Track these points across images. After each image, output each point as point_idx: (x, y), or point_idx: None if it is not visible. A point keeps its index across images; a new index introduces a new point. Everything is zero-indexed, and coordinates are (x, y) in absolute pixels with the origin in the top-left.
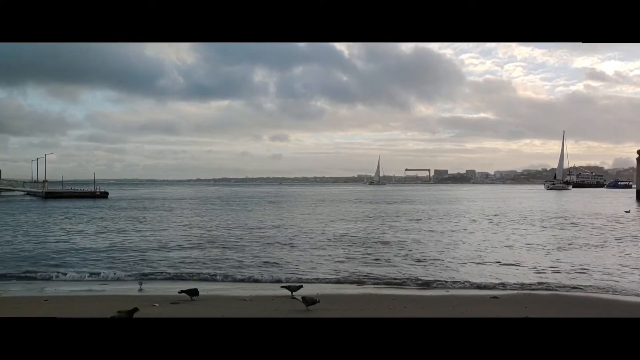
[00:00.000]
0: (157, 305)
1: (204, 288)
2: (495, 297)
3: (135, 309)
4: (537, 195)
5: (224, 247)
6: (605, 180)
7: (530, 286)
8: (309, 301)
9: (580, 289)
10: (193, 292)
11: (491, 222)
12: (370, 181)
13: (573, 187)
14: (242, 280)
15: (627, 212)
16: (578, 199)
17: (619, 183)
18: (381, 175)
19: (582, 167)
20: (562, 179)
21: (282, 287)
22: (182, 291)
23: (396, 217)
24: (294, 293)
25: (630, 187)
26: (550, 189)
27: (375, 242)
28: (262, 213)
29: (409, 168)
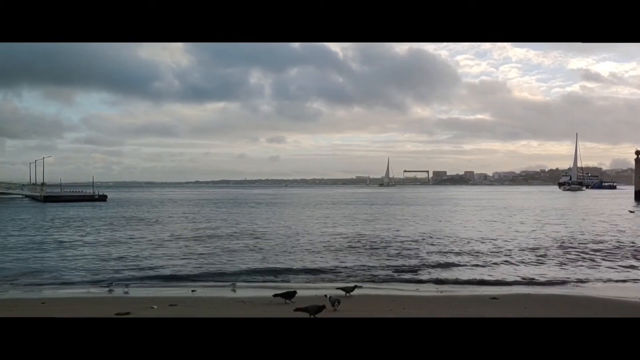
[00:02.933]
0: (155, 307)
1: (203, 290)
2: (494, 297)
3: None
4: (562, 197)
5: (226, 250)
6: (609, 181)
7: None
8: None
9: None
10: (290, 295)
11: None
12: (380, 183)
13: (570, 187)
14: (241, 282)
15: (631, 212)
16: (593, 201)
17: (603, 184)
18: (380, 177)
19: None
20: (576, 180)
21: (337, 288)
22: (277, 294)
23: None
24: (348, 293)
25: (614, 187)
26: (567, 190)
27: (382, 244)
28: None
29: (407, 170)
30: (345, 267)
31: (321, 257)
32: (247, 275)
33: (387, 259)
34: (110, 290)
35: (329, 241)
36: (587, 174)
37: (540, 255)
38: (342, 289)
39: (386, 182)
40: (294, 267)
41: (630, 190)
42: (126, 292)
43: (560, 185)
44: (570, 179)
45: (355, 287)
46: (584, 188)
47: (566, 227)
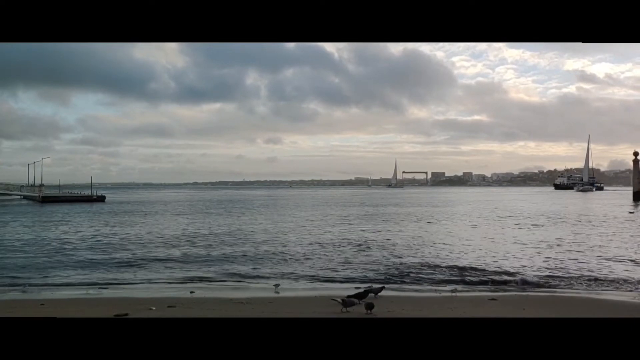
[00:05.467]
0: (154, 308)
1: (202, 292)
2: (493, 298)
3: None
4: (575, 197)
5: (230, 253)
6: (597, 182)
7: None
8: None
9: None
10: (362, 296)
11: None
12: (388, 184)
13: (564, 188)
14: (237, 283)
15: (630, 212)
16: (599, 202)
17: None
18: (379, 178)
19: (572, 169)
20: (588, 181)
21: (364, 289)
22: (349, 296)
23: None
24: (377, 295)
25: (601, 189)
26: (580, 190)
27: (381, 246)
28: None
29: (406, 171)
30: (344, 270)
31: (319, 259)
32: (251, 277)
33: (386, 262)
34: (108, 292)
35: (332, 244)
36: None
37: (541, 258)
38: (369, 290)
39: (394, 183)
40: (295, 269)
41: (618, 190)
42: (125, 294)
43: (556, 186)
44: (582, 179)
45: (383, 287)
46: (593, 189)
47: (569, 230)
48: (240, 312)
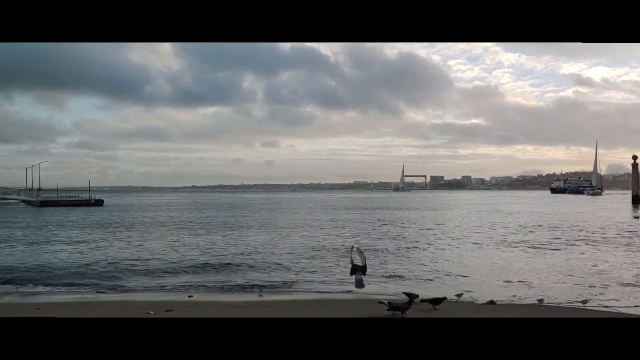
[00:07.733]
0: (152, 313)
1: (200, 296)
2: (491, 302)
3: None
4: (586, 201)
5: (231, 261)
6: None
7: None
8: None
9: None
10: (437, 301)
11: None
12: (395, 187)
13: (560, 192)
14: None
15: (636, 217)
16: (603, 205)
17: (581, 188)
18: (378, 181)
19: (569, 173)
20: (597, 186)
21: (403, 292)
22: (423, 300)
23: None
24: (416, 300)
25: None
26: (591, 194)
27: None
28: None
29: (404, 174)
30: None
31: (317, 263)
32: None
33: (384, 266)
34: (106, 296)
35: (324, 247)
36: (580, 178)
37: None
38: (407, 294)
39: (401, 187)
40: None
41: (614, 194)
42: (122, 298)
43: (553, 190)
44: (592, 183)
45: (445, 298)
46: (602, 193)
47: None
48: (239, 315)
